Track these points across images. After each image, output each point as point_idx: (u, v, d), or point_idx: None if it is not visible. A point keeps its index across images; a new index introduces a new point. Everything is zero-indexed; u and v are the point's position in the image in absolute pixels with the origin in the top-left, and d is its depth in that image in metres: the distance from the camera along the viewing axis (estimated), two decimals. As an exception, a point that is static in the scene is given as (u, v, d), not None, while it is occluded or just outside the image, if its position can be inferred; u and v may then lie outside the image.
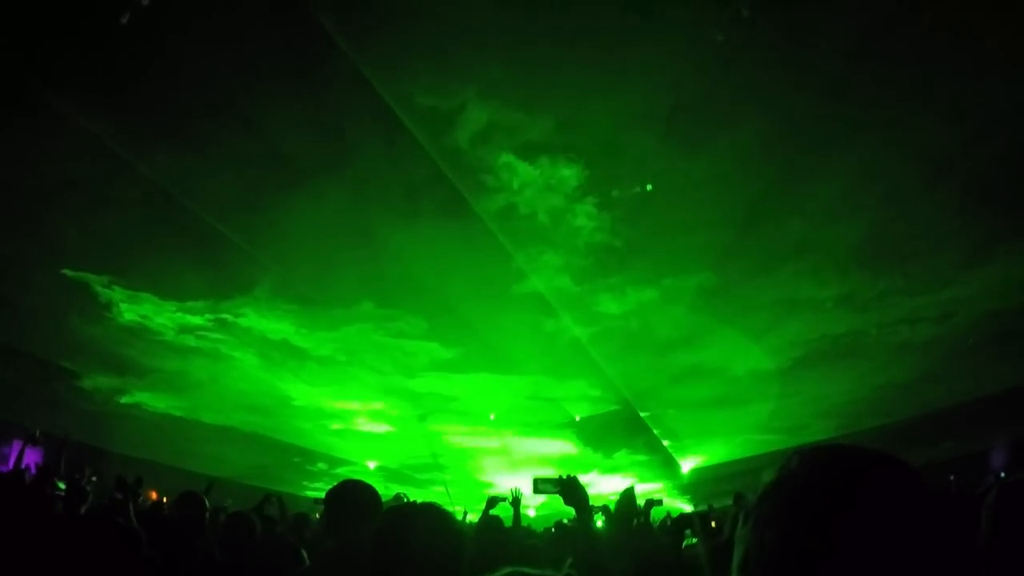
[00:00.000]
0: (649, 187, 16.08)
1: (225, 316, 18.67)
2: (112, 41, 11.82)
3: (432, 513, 2.60)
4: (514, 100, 14.58)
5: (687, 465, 23.25)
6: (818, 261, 16.67)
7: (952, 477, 11.13)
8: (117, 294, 17.51)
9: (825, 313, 17.62)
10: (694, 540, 6.41)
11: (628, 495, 4.97)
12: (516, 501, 7.41)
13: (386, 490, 6.17)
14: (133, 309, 17.91)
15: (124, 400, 20.33)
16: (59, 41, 11.64)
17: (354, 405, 22.41)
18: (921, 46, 11.88)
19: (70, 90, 12.49)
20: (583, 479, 3.75)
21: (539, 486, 3.90)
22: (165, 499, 12.27)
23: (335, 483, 3.81)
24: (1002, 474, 13.57)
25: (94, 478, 6.47)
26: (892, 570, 1.03)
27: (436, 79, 13.96)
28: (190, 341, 19.24)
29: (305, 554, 4.66)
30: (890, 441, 17.61)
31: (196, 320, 18.60)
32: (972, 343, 16.70)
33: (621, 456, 23.32)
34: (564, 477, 3.74)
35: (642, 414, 21.68)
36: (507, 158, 15.76)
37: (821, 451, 1.20)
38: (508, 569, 2.20)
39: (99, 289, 17.28)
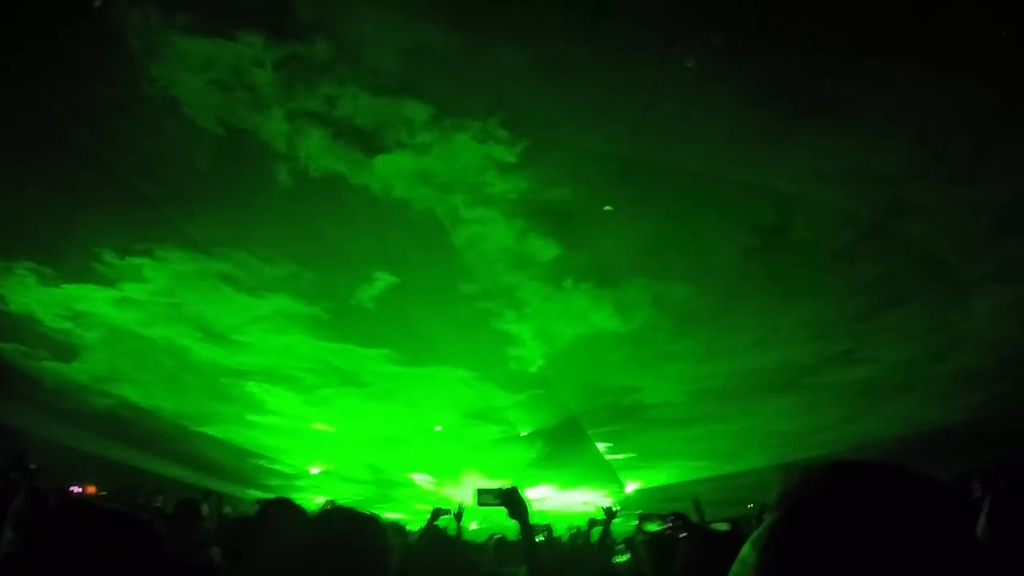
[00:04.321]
0: (608, 208, 16.30)
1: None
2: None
3: (356, 520, 2.42)
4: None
5: (631, 486, 23.43)
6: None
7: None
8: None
9: (764, 347, 18.19)
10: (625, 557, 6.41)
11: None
12: (459, 514, 7.47)
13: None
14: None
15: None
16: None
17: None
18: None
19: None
20: (532, 493, 3.77)
21: (482, 497, 3.92)
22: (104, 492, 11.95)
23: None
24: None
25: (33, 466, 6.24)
26: None
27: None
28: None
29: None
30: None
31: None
32: (897, 387, 17.57)
33: (568, 472, 23.37)
34: (505, 488, 3.79)
35: (588, 431, 21.83)
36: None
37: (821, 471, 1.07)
38: None
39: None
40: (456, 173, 16.19)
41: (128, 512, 2.28)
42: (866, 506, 1.00)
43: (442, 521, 7.15)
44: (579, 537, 10.17)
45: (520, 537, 3.89)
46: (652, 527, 4.93)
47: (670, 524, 5.03)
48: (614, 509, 7.23)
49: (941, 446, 16.24)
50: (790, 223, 15.78)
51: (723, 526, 4.96)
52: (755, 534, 1.09)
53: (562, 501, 23.24)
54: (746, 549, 1.09)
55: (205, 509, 8.04)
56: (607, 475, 23.17)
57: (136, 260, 17.34)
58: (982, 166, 13.32)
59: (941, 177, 13.65)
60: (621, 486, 23.37)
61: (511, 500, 3.72)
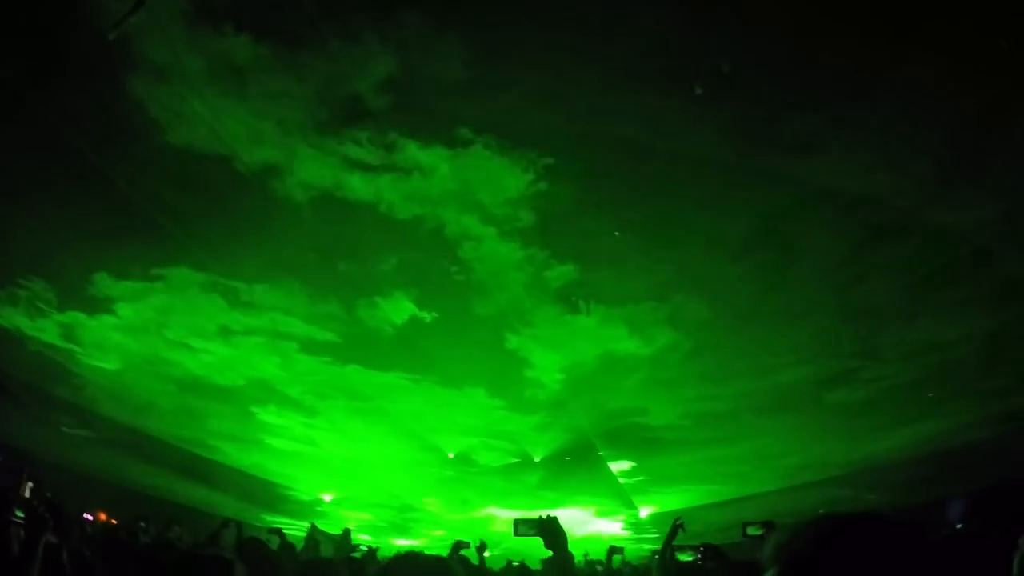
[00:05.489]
0: (617, 234, 16.46)
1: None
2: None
3: (433, 565, 2.57)
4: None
5: (644, 511, 23.28)
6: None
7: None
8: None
9: (764, 369, 18.29)
10: None
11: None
12: (482, 547, 7.60)
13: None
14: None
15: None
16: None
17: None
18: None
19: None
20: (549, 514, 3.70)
21: (519, 528, 3.85)
22: (114, 521, 11.91)
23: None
24: (958, 526, 13.96)
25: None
26: None
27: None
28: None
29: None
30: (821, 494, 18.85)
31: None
32: (899, 407, 17.79)
33: (581, 496, 23.20)
34: (544, 518, 3.71)
35: (602, 454, 21.73)
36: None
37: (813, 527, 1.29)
38: None
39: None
40: (464, 194, 16.29)
41: (215, 555, 2.46)
42: (852, 558, 1.16)
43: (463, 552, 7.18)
44: (596, 564, 10.08)
45: (553, 567, 3.84)
46: (684, 557, 4.93)
47: (700, 554, 5.02)
48: (677, 522, 6.48)
49: (948, 465, 16.32)
50: (779, 246, 16.19)
51: (756, 530, 4.98)
52: None
53: (578, 527, 23.05)
54: None
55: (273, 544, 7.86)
56: (621, 499, 23.01)
57: (134, 284, 17.42)
58: (950, 190, 13.64)
59: (914, 200, 14.06)
60: (635, 511, 23.20)
61: (549, 531, 3.63)
